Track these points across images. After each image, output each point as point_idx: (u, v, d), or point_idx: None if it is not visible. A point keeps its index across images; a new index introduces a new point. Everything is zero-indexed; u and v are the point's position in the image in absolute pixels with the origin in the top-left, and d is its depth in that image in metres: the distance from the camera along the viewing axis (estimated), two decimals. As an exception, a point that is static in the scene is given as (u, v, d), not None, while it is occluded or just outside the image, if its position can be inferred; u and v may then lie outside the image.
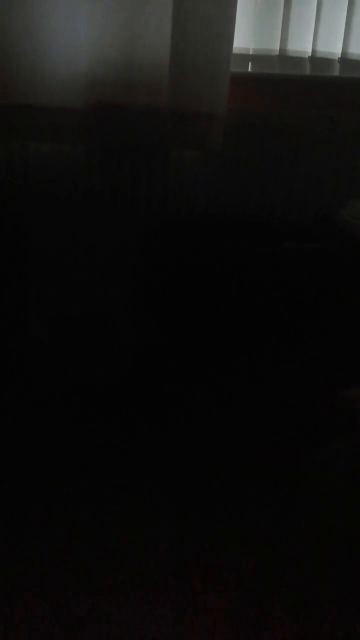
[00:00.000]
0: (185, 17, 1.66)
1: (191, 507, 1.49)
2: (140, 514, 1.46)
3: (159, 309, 1.84)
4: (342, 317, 1.85)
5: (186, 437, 1.74)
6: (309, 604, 1.26)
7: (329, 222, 1.99)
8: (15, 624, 1.17)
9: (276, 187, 1.96)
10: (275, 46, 1.88)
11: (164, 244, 1.83)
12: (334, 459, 1.65)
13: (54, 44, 1.63)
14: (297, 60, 1.92)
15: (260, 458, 1.68)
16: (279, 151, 1.92)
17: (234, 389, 1.86)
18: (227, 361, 1.83)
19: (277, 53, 1.89)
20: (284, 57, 1.90)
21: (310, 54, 1.90)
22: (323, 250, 1.78)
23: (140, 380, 1.93)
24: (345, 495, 1.54)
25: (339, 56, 1.92)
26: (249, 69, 1.92)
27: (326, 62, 1.94)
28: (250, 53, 1.88)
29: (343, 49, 1.92)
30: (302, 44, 1.88)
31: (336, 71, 1.96)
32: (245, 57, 1.89)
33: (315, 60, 1.93)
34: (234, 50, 1.80)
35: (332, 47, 1.91)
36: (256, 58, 1.90)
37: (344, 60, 1.94)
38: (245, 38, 1.86)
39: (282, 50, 1.89)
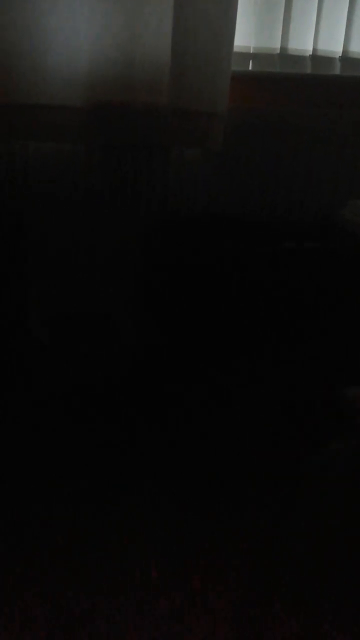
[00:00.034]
0: (186, 15, 1.65)
1: (191, 507, 1.49)
2: (140, 513, 1.46)
3: (159, 308, 1.84)
4: (343, 317, 1.84)
5: (186, 437, 1.74)
6: (309, 604, 1.27)
7: (330, 221, 1.99)
8: (15, 624, 1.17)
9: (277, 186, 1.96)
10: (276, 44, 1.87)
11: (164, 243, 1.83)
12: (334, 458, 1.65)
13: (54, 43, 1.63)
14: (298, 59, 1.91)
15: (260, 458, 1.68)
16: (279, 150, 1.92)
17: (235, 388, 1.86)
18: (227, 360, 1.83)
19: (278, 51, 1.89)
20: (284, 55, 1.90)
21: (311, 53, 1.90)
22: (324, 249, 1.78)
23: (140, 380, 1.93)
24: (345, 495, 1.54)
25: (340, 54, 1.92)
26: (250, 68, 1.91)
27: (327, 60, 1.94)
28: (251, 51, 1.88)
29: (344, 47, 1.92)
30: (303, 43, 1.88)
31: (337, 70, 1.96)
32: (246, 56, 1.89)
33: (316, 58, 1.92)
34: (235, 49, 1.80)
35: (333, 45, 1.91)
36: (257, 56, 1.90)
37: (345, 58, 1.93)
38: (246, 36, 1.86)
39: (283, 48, 1.88)
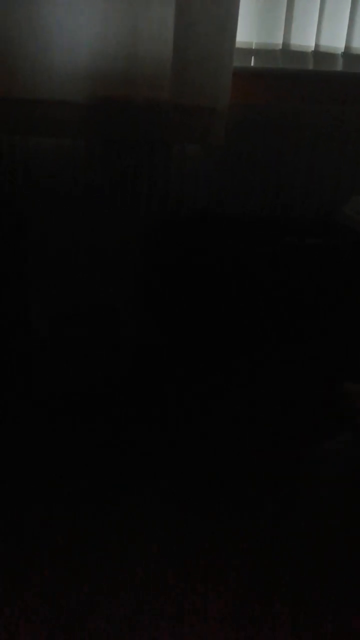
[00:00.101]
0: (188, 11, 1.64)
1: (191, 507, 1.49)
2: (140, 513, 1.46)
3: (161, 305, 1.84)
4: (344, 314, 1.84)
5: (185, 435, 1.74)
6: (309, 604, 1.27)
7: (332, 218, 1.98)
8: (15, 624, 1.17)
9: (278, 182, 1.95)
10: (278, 40, 1.86)
11: (165, 239, 1.82)
12: (333, 458, 1.65)
13: (55, 37, 1.62)
14: (300, 55, 1.90)
15: (260, 457, 1.67)
16: (281, 146, 1.91)
17: (235, 388, 1.85)
18: (228, 358, 1.83)
19: (280, 47, 1.87)
20: (287, 51, 1.89)
21: (313, 49, 1.89)
22: (326, 246, 1.78)
23: (140, 378, 1.92)
24: (345, 495, 1.54)
25: (343, 50, 1.91)
26: (252, 64, 1.90)
27: (329, 56, 1.92)
28: (253, 47, 1.87)
29: (346, 43, 1.90)
30: (305, 38, 1.87)
31: (339, 66, 1.94)
32: (248, 52, 1.88)
33: (319, 54, 1.91)
34: (237, 45, 1.79)
35: (336, 41, 1.89)
36: (259, 52, 1.88)
37: (348, 54, 1.92)
38: (248, 32, 1.84)
39: (285, 44, 1.87)
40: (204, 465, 1.63)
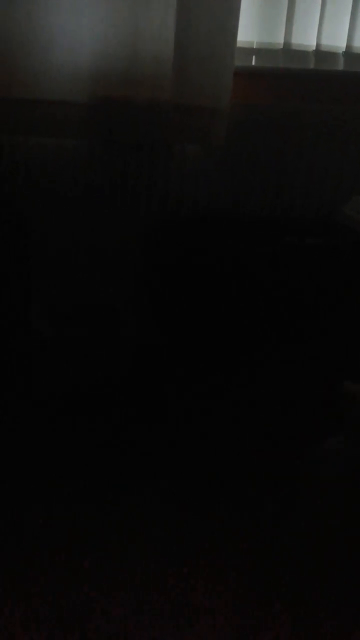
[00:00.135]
0: (189, 10, 1.64)
1: (191, 506, 1.50)
2: (140, 513, 1.46)
3: (161, 305, 1.84)
4: (344, 314, 1.84)
5: (185, 435, 1.74)
6: (309, 604, 1.27)
7: (332, 218, 1.98)
8: (15, 624, 1.17)
9: (279, 182, 1.95)
10: (279, 40, 1.86)
11: (165, 239, 1.82)
12: (333, 458, 1.65)
13: (56, 37, 1.61)
14: (302, 54, 1.90)
15: (260, 457, 1.68)
16: (282, 146, 1.91)
17: (235, 387, 1.86)
18: (229, 358, 1.83)
19: (282, 47, 1.87)
20: (288, 50, 1.88)
21: (314, 48, 1.89)
22: (326, 246, 1.78)
23: (141, 378, 1.92)
24: (345, 495, 1.55)
25: (344, 50, 1.90)
26: (253, 63, 1.90)
27: (331, 55, 1.92)
28: (254, 47, 1.86)
29: (348, 42, 1.90)
30: (306, 38, 1.87)
31: (341, 65, 1.94)
32: (249, 51, 1.88)
33: (320, 54, 1.91)
34: (238, 44, 1.78)
35: (337, 40, 1.89)
36: (260, 52, 1.88)
37: (349, 54, 1.92)
38: (249, 31, 1.84)
39: (287, 43, 1.87)
40: (204, 465, 1.63)
